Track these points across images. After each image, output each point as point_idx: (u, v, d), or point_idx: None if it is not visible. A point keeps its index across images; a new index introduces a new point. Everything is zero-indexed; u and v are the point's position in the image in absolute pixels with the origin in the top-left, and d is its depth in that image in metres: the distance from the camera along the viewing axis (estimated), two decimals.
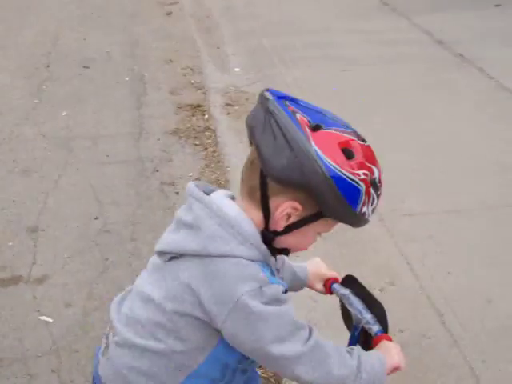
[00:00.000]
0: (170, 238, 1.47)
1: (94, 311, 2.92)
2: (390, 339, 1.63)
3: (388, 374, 1.55)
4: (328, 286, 1.77)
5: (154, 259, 1.54)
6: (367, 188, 1.37)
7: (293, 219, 1.40)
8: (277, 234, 1.43)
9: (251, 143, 1.42)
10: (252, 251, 1.40)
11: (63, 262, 3.24)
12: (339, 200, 1.35)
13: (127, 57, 6.00)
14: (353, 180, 1.34)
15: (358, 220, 1.42)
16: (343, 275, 1.77)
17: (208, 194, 1.47)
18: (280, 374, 1.45)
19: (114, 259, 3.26)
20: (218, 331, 1.41)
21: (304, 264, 1.80)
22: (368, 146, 1.41)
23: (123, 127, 4.62)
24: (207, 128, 4.73)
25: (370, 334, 1.65)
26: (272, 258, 1.48)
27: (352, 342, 1.70)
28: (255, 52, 6.20)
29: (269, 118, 1.36)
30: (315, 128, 1.36)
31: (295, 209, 1.38)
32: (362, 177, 1.35)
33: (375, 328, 1.64)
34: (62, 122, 4.78)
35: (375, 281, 3.03)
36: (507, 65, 5.86)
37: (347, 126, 1.42)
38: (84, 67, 5.86)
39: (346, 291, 1.72)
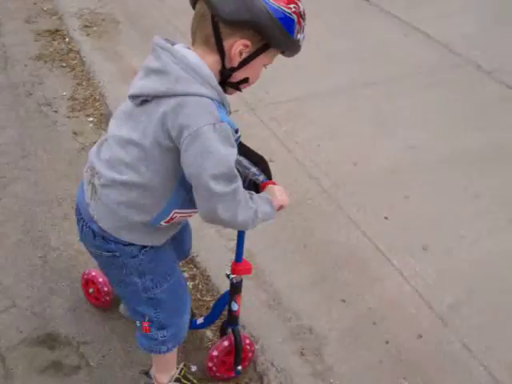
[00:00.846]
0: (141, 83, 1.70)
1: (4, 222, 3.09)
2: (274, 183, 1.99)
3: (277, 210, 1.92)
4: None
5: (124, 108, 1.80)
6: (298, 18, 1.66)
7: (244, 55, 1.68)
8: (233, 70, 1.70)
9: (194, 5, 1.68)
10: (211, 91, 1.65)
11: None
12: (281, 30, 1.63)
13: None
14: (288, 13, 1.62)
15: (295, 46, 1.72)
16: None
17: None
18: (200, 209, 1.73)
19: (12, 176, 3.40)
20: None
21: None
22: None
23: None
24: (70, 50, 4.81)
25: (258, 184, 1.99)
26: (227, 100, 1.74)
27: None
28: None
29: None
30: None
31: (246, 46, 1.66)
32: (293, 9, 1.64)
33: (261, 177, 2.00)
34: None
35: None
36: None
37: None
38: None
39: None
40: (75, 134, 3.81)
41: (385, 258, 2.91)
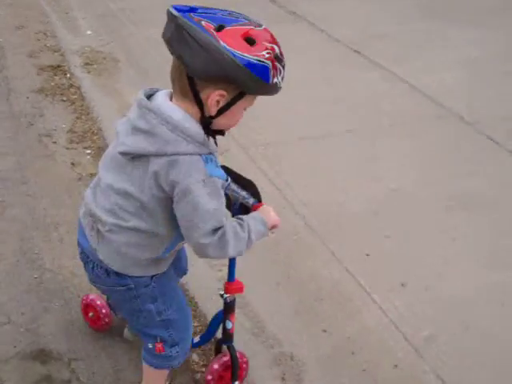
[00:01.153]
0: (131, 141, 1.78)
1: (1, 244, 3.22)
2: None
3: (270, 229, 2.05)
4: None
5: (113, 155, 1.88)
6: (273, 63, 1.68)
7: (221, 104, 1.73)
8: (212, 117, 1.77)
9: (172, 53, 1.76)
10: (199, 148, 1.75)
11: None
12: (254, 79, 1.66)
13: None
14: (260, 61, 1.64)
15: (272, 90, 1.75)
16: None
17: (152, 95, 1.82)
18: (192, 249, 1.91)
19: (11, 200, 3.54)
20: None
21: None
22: (265, 29, 1.73)
23: None
24: (71, 85, 4.98)
25: (248, 207, 2.13)
26: (215, 147, 1.85)
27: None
28: (104, 15, 6.43)
29: (181, 32, 1.64)
30: (219, 29, 1.65)
31: (222, 95, 1.71)
32: (267, 56, 1.66)
33: (251, 201, 2.13)
34: None
35: None
36: (333, 18, 6.61)
37: (244, 18, 1.72)
38: None
39: None
40: (73, 164, 3.96)
41: (365, 293, 3.05)
